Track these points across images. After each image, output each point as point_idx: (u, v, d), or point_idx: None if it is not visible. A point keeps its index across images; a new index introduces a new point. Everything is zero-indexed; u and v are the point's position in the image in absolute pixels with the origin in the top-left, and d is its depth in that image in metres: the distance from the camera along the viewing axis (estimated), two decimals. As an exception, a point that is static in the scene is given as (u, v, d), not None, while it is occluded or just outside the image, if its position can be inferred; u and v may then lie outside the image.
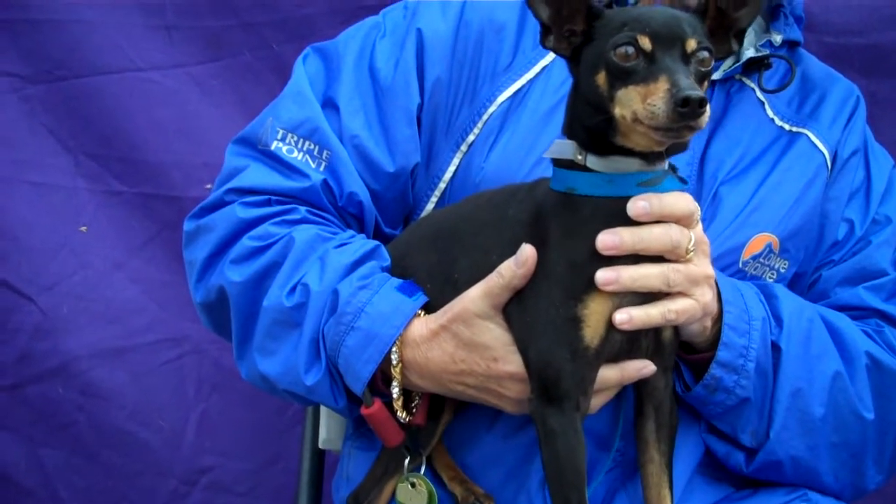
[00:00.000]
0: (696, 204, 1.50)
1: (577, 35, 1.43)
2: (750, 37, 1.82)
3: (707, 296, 1.52)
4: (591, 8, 1.42)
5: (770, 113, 1.83)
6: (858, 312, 1.78)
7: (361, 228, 1.78)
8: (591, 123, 1.42)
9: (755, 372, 1.61)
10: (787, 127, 1.83)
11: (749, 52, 1.80)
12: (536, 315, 1.47)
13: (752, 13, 1.45)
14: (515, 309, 1.50)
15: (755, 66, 1.83)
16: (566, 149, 1.47)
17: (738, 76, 1.83)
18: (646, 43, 1.36)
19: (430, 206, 1.80)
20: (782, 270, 1.78)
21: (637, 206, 1.43)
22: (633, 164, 1.44)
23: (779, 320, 1.65)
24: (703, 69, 1.39)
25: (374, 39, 1.84)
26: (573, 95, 1.48)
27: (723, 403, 1.62)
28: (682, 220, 1.47)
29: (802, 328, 1.67)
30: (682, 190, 1.49)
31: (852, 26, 2.48)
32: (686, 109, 1.29)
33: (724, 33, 1.45)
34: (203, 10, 2.59)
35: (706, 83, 1.41)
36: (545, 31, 1.45)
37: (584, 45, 1.43)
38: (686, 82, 1.31)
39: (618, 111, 1.37)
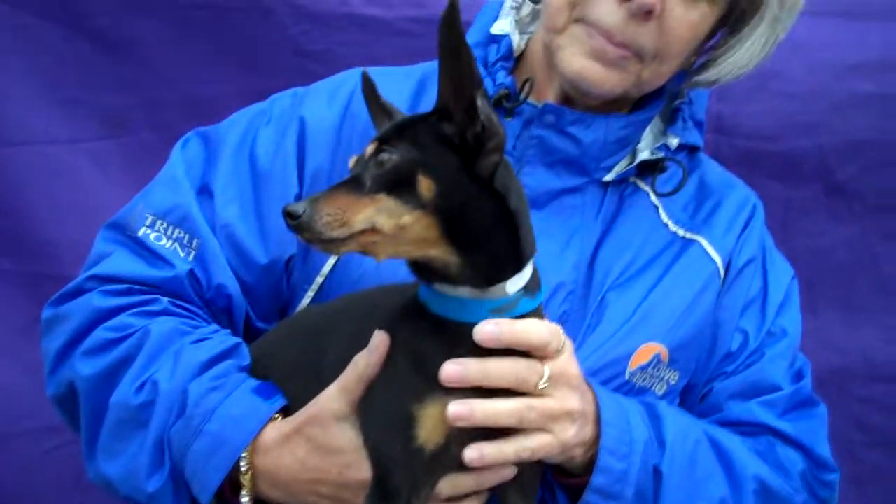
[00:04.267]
0: (557, 332, 1.37)
1: None
2: (647, 139, 1.74)
3: (567, 432, 1.40)
4: None
5: (664, 217, 1.74)
6: (750, 428, 1.68)
7: (230, 322, 1.67)
8: None
9: (634, 497, 1.49)
10: (680, 233, 1.74)
11: (643, 155, 1.72)
12: (377, 408, 1.37)
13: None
14: (362, 403, 1.40)
15: (651, 169, 1.75)
16: None
17: (632, 178, 1.74)
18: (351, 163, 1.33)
19: (306, 301, 1.68)
20: (672, 382, 1.68)
21: (484, 330, 1.31)
22: (462, 292, 1.32)
23: (662, 443, 1.54)
24: (381, 170, 1.27)
25: (259, 126, 1.76)
26: None
27: None
28: (536, 350, 1.36)
29: (687, 451, 1.56)
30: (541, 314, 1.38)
31: (766, 132, 2.44)
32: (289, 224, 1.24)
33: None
34: (104, 86, 2.50)
35: (424, 184, 1.26)
36: None
37: None
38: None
39: None
